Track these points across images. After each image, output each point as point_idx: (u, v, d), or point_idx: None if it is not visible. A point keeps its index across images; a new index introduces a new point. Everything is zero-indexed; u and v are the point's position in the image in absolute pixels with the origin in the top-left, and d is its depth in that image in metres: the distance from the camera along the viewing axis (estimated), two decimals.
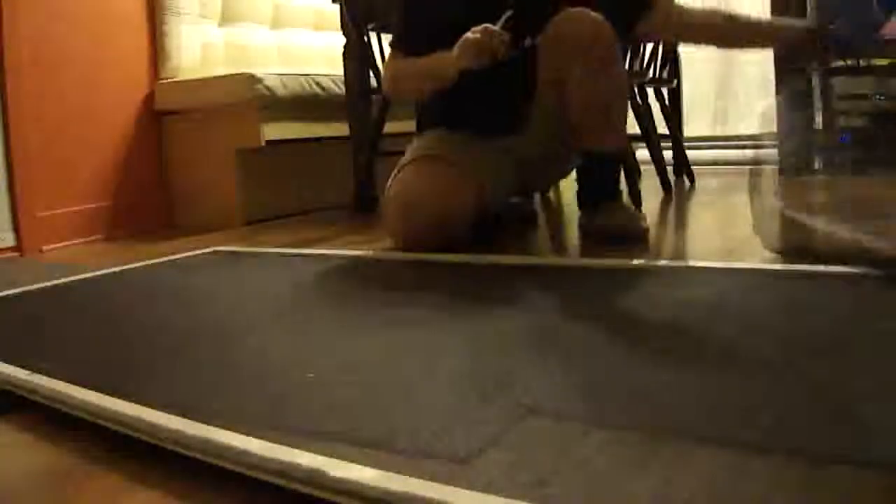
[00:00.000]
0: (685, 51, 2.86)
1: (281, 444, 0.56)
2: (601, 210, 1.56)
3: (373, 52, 2.28)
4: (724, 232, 1.69)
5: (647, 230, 1.53)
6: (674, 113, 2.65)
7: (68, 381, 0.73)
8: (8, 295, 1.26)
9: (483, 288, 1.13)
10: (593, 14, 1.46)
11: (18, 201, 2.05)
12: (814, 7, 2.77)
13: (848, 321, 0.84)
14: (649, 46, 2.34)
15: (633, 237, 1.49)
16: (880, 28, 1.41)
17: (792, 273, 1.09)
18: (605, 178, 1.58)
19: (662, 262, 1.19)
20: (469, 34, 1.37)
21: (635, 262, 1.20)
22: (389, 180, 1.56)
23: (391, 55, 1.62)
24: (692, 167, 2.70)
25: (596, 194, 1.59)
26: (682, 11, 1.59)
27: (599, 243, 1.51)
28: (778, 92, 2.89)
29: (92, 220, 2.27)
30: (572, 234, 1.74)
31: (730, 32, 1.58)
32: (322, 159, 2.62)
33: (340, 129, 2.47)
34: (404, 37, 1.60)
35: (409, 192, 1.48)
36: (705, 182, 2.65)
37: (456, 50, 1.39)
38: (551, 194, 2.36)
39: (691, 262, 1.25)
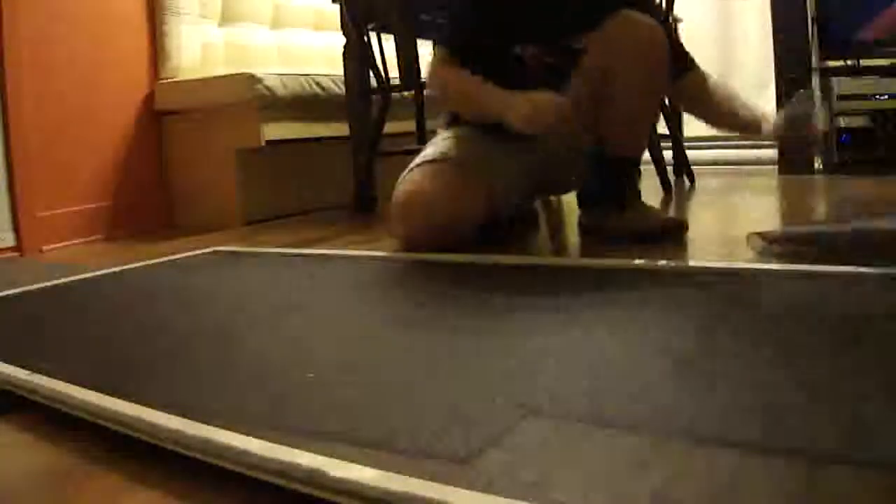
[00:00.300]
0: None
1: (281, 444, 0.56)
2: (609, 210, 1.56)
3: (373, 52, 2.28)
4: (724, 232, 1.69)
5: (663, 228, 1.51)
6: (674, 113, 2.65)
7: (68, 381, 0.73)
8: (8, 295, 1.26)
9: (484, 288, 1.13)
10: (650, 19, 1.45)
11: (18, 201, 2.05)
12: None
13: (848, 321, 0.84)
14: None
15: (647, 237, 1.48)
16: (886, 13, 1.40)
17: (792, 273, 1.09)
18: (614, 180, 1.57)
19: (662, 262, 1.19)
20: (539, 100, 1.35)
21: (635, 262, 1.20)
22: (399, 179, 1.54)
23: (442, 56, 1.56)
24: (692, 167, 2.70)
25: (600, 195, 1.58)
26: (710, 89, 1.59)
27: (603, 243, 1.51)
28: (786, 95, 2.89)
29: (92, 220, 2.27)
30: (572, 234, 1.74)
31: (738, 127, 1.60)
32: (322, 159, 2.62)
33: (340, 129, 2.47)
34: (456, 37, 1.56)
35: (417, 194, 1.47)
36: (705, 182, 2.65)
37: (520, 109, 1.36)
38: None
39: (691, 262, 1.25)
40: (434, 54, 1.58)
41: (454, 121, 1.67)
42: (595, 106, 1.51)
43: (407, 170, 1.55)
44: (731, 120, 1.60)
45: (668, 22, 1.61)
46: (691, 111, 1.66)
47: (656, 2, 1.63)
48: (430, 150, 1.57)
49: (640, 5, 1.51)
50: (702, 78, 1.61)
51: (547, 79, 1.51)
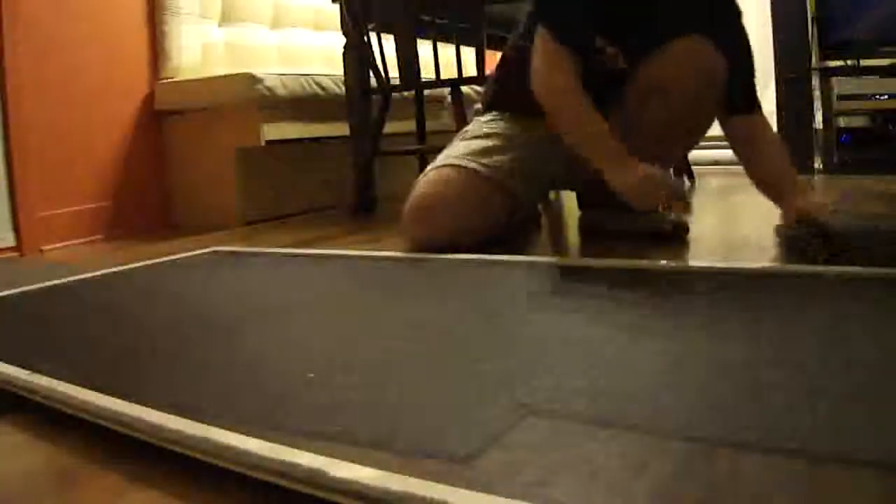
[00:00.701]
0: None
1: (281, 444, 0.56)
2: (610, 210, 1.55)
3: (373, 52, 2.27)
4: (724, 232, 1.69)
5: (664, 228, 1.51)
6: None
7: (68, 381, 0.73)
8: (8, 295, 1.26)
9: (483, 287, 1.13)
10: (716, 54, 1.42)
11: (18, 201, 2.05)
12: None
13: (849, 321, 0.84)
14: None
15: (648, 237, 1.47)
16: None
17: (793, 273, 1.09)
18: None
19: (662, 262, 1.19)
20: (654, 178, 1.31)
21: (636, 262, 1.20)
22: (422, 174, 1.52)
23: (557, 53, 1.41)
24: (692, 167, 2.70)
25: (601, 195, 1.58)
26: (759, 141, 1.48)
27: (604, 243, 1.51)
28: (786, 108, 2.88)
29: (92, 220, 2.27)
30: (573, 233, 1.74)
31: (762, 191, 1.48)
32: (322, 159, 2.62)
33: (340, 129, 2.47)
34: (568, 23, 1.42)
35: (436, 197, 1.45)
36: (705, 182, 2.65)
37: (630, 182, 1.33)
38: (552, 194, 2.36)
39: (691, 262, 1.25)
40: (542, 48, 1.42)
41: (492, 106, 1.63)
42: (636, 118, 1.49)
43: (431, 166, 1.52)
44: (762, 183, 1.47)
45: (749, 55, 1.52)
46: (734, 151, 1.57)
47: (742, 29, 1.54)
48: (458, 149, 1.53)
49: (724, 29, 1.46)
50: (755, 125, 1.49)
51: (610, 83, 1.49)
